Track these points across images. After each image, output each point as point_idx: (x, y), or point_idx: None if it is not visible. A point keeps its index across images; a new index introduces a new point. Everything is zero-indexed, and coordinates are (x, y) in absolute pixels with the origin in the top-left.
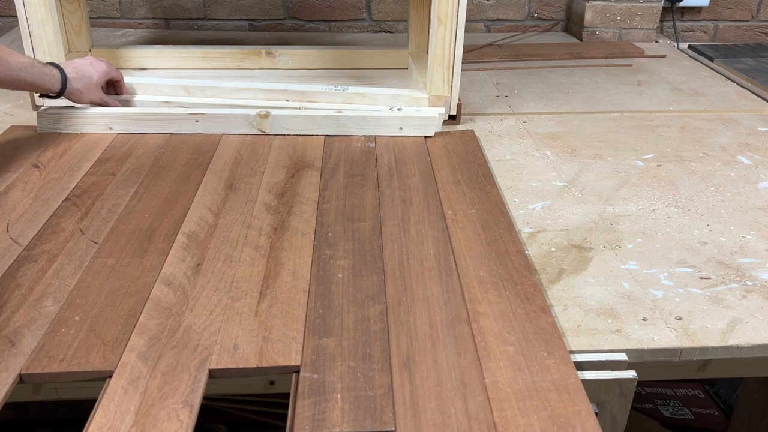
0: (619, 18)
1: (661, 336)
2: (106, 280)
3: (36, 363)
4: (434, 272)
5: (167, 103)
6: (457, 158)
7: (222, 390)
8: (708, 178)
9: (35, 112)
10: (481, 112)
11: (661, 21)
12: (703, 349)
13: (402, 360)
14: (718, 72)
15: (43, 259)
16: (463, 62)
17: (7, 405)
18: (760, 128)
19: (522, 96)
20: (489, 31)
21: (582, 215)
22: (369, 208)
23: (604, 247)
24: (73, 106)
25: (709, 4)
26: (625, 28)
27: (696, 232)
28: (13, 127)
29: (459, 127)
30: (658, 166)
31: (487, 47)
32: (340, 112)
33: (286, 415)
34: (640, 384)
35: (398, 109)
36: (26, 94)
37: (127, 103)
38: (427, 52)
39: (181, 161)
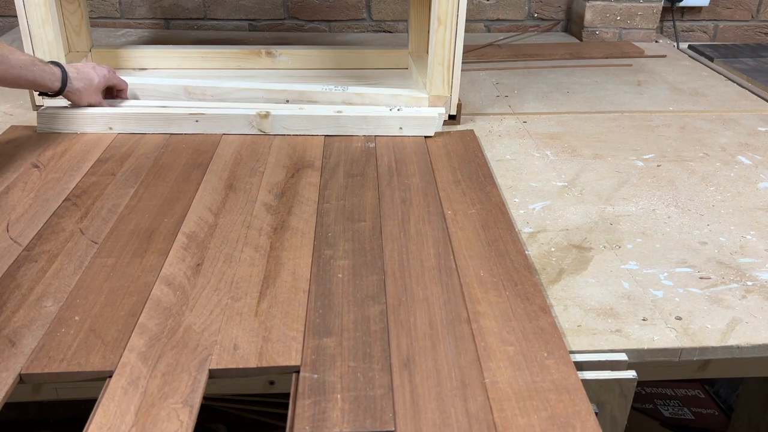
0: (619, 18)
1: (661, 336)
2: (106, 280)
3: (36, 363)
4: (434, 272)
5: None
6: (457, 158)
7: (222, 390)
8: (708, 178)
9: (35, 112)
10: (481, 112)
11: (661, 21)
12: (703, 349)
13: (402, 360)
14: (718, 72)
15: (43, 259)
16: (463, 62)
17: (7, 405)
18: (760, 128)
19: (522, 96)
20: (489, 31)
21: (582, 215)
22: (369, 208)
23: (604, 247)
24: (73, 107)
25: (709, 4)
26: (625, 28)
27: (696, 232)
28: (13, 127)
29: (459, 127)
30: (658, 166)
31: (487, 47)
32: (340, 112)
33: (286, 415)
34: (640, 384)
35: (398, 110)
36: (26, 95)
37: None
38: (427, 52)
39: (181, 161)
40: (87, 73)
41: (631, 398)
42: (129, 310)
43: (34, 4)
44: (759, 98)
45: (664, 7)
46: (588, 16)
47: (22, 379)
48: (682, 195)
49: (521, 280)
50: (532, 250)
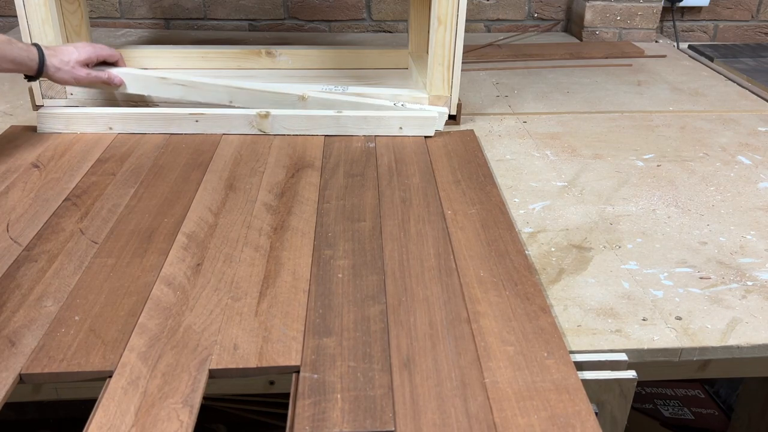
0: (619, 18)
1: (661, 336)
2: (106, 280)
3: (36, 363)
4: (434, 272)
5: (165, 105)
6: (457, 158)
7: (222, 390)
8: (708, 178)
9: (35, 112)
10: (481, 112)
11: (661, 21)
12: (703, 349)
13: (402, 360)
14: (718, 72)
15: (43, 259)
16: (463, 62)
17: (7, 405)
18: (760, 128)
19: (522, 96)
20: (489, 31)
21: (582, 215)
22: (369, 208)
23: (604, 247)
24: (73, 106)
25: (709, 4)
26: (625, 28)
27: (696, 232)
28: (13, 127)
29: (459, 127)
30: (658, 166)
31: (487, 47)
32: (340, 112)
33: (286, 415)
34: (640, 384)
35: (402, 105)
36: (26, 95)
37: (124, 77)
38: (427, 52)
39: (181, 161)
40: (65, 49)
41: (631, 398)
42: (129, 310)
43: (34, 4)
44: (759, 98)
45: (664, 7)
46: (588, 16)
47: (22, 379)
48: (682, 195)
49: (521, 280)
50: (532, 250)
